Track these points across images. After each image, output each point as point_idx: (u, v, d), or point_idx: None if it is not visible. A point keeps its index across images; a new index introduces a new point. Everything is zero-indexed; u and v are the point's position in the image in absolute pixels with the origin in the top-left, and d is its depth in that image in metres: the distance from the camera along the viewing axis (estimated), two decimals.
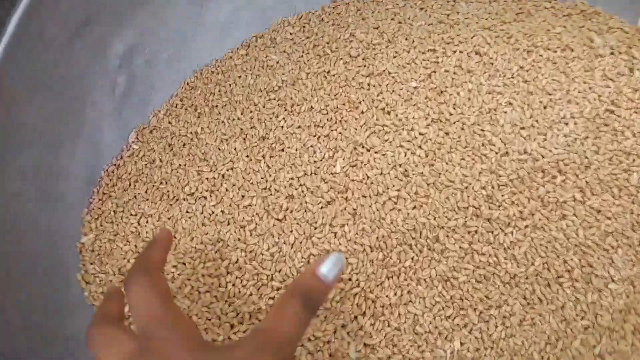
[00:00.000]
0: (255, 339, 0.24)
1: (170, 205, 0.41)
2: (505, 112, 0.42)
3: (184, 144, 0.44)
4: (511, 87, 0.43)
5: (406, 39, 0.48)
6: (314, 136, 0.42)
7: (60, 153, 0.40)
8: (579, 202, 0.39)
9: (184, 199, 0.40)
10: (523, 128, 0.41)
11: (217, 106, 0.46)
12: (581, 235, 0.39)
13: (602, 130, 0.41)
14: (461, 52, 0.46)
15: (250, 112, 0.45)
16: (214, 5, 0.48)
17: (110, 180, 0.43)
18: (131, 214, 0.41)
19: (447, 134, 0.42)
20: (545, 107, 0.42)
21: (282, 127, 0.43)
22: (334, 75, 0.46)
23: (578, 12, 0.48)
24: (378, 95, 0.44)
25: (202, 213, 0.39)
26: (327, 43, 0.49)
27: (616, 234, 0.39)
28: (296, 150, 0.42)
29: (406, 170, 0.40)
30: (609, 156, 0.40)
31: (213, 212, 0.40)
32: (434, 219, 0.38)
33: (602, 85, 0.43)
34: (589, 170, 0.40)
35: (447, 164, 0.40)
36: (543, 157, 0.40)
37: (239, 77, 0.47)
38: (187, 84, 0.48)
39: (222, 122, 0.45)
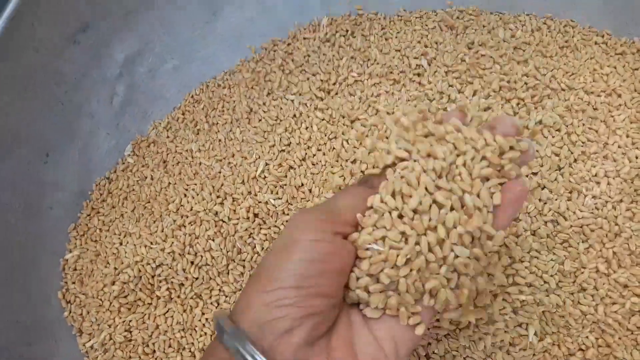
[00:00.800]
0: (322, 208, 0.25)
1: (153, 222, 0.40)
2: None
3: (177, 162, 0.43)
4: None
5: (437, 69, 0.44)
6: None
7: (49, 163, 0.39)
8: (603, 275, 0.35)
9: (167, 216, 0.39)
10: (544, 185, 0.37)
11: (217, 124, 0.44)
12: (601, 311, 0.35)
13: None
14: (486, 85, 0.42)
15: (248, 131, 0.43)
16: (227, 12, 0.46)
17: (101, 194, 0.43)
18: (115, 234, 0.40)
19: None
20: (575, 161, 0.38)
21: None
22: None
23: (634, 51, 0.43)
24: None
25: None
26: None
27: None
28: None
29: None
30: None
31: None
32: None
33: None
34: (618, 239, 0.36)
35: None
36: (565, 219, 0.36)
37: (244, 94, 0.45)
38: (192, 96, 0.47)
39: (219, 140, 0.43)
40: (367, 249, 0.24)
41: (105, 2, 0.40)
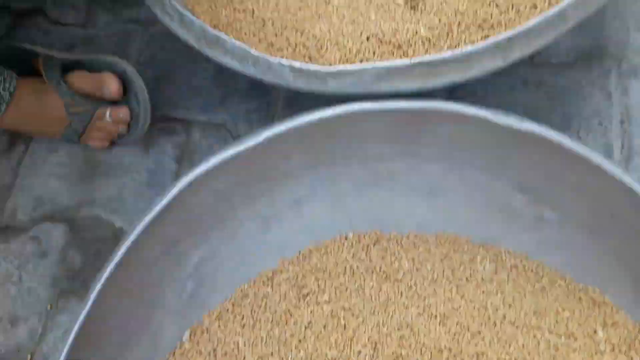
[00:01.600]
0: None
1: None
2: None
3: (225, 352, 0.53)
4: None
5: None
6: None
7: (126, 350, 0.49)
8: None
9: None
10: None
11: (260, 320, 0.55)
12: None
13: None
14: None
15: (285, 332, 0.53)
16: (275, 227, 0.59)
17: None
18: None
19: None
20: None
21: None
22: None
23: (588, 298, 0.54)
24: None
25: None
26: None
27: None
28: None
29: None
30: None
31: None
32: None
33: None
34: None
35: None
36: None
37: (284, 293, 0.57)
38: (241, 290, 0.58)
39: (262, 337, 0.53)
40: None
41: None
